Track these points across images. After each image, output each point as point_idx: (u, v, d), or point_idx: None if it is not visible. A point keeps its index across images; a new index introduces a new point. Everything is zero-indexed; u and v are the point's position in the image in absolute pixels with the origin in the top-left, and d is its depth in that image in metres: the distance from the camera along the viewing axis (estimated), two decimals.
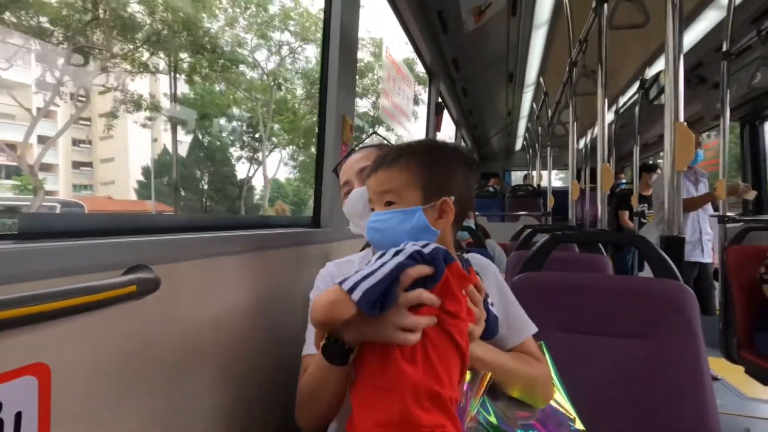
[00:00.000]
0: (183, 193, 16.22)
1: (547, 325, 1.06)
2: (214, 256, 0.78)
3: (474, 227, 2.02)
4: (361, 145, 0.91)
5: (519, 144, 7.69)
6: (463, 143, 5.35)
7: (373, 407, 0.49)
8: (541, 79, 4.02)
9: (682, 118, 1.13)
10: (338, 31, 1.37)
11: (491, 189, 5.63)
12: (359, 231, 0.83)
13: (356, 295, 0.47)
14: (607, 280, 1.06)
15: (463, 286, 0.55)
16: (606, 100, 2.16)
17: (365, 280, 0.48)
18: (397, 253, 0.51)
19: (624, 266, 3.95)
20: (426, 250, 0.52)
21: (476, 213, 3.40)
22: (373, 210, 0.63)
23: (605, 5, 1.82)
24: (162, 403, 0.66)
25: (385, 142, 0.98)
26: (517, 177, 9.04)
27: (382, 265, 0.49)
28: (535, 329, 0.76)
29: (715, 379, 2.45)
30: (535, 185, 6.13)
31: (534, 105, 5.13)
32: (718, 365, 2.31)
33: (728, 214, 2.59)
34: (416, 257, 0.50)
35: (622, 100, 4.55)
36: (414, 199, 0.59)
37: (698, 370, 0.90)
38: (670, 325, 0.94)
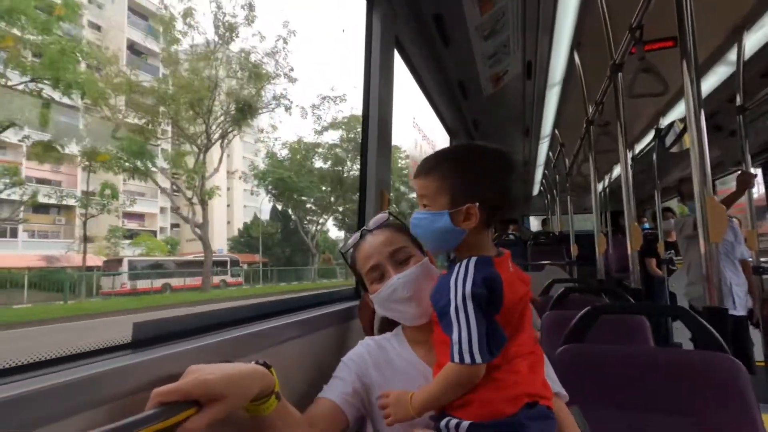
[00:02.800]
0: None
1: (594, 400, 1.06)
2: (255, 353, 0.75)
3: None
4: (374, 226, 0.89)
5: (536, 190, 7.76)
6: None
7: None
8: (557, 131, 4.15)
9: (710, 187, 1.17)
10: (376, 114, 1.50)
11: (512, 236, 5.61)
12: (396, 314, 0.83)
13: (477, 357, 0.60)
14: (654, 353, 1.06)
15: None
16: (626, 152, 2.21)
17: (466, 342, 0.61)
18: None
19: (659, 325, 3.74)
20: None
21: None
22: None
23: (619, 74, 1.93)
24: None
25: (398, 221, 0.94)
26: (534, 222, 9.05)
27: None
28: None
29: None
30: (555, 232, 6.09)
31: (550, 154, 5.24)
32: None
33: (763, 264, 2.54)
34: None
35: (638, 147, 4.63)
36: (443, 204, 0.68)
37: None
38: (723, 403, 0.94)
